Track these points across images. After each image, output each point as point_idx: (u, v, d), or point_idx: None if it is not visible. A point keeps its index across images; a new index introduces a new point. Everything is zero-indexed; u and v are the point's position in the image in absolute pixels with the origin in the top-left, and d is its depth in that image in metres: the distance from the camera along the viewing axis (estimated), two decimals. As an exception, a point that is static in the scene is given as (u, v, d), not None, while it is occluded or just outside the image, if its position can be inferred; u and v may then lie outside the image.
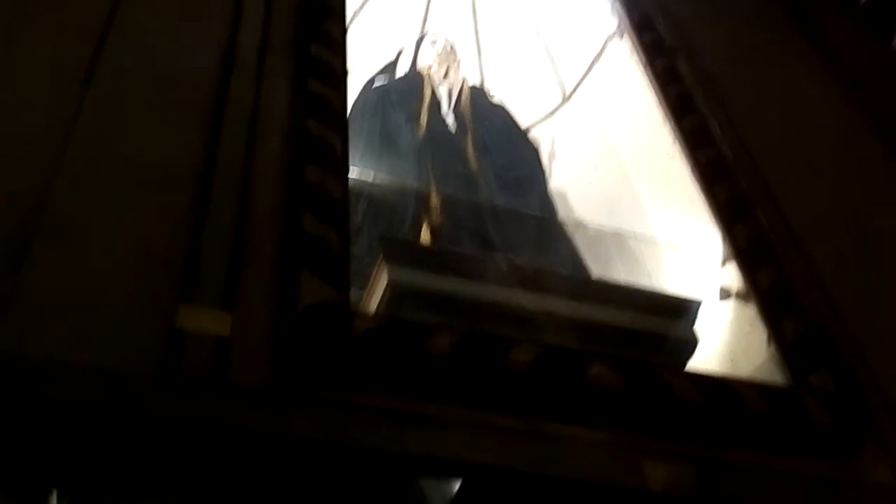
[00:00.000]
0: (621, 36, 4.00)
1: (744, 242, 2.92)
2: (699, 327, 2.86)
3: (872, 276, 2.92)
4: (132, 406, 1.88)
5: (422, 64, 4.02)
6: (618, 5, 4.02)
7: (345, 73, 2.94)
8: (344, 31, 3.08)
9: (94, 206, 2.21)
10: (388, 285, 2.62)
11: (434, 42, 4.14)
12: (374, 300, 2.66)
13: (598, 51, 4.16)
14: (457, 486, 2.12)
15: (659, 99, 3.55)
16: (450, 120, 3.73)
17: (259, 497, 2.09)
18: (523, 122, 4.03)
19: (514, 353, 2.26)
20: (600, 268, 3.40)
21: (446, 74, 3.89)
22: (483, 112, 3.85)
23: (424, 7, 4.51)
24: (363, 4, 4.35)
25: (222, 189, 2.35)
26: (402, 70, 4.08)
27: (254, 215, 2.33)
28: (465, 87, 3.93)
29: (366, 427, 2.06)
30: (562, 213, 3.63)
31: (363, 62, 3.93)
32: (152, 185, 2.30)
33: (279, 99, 2.69)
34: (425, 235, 3.12)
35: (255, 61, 2.76)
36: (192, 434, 1.91)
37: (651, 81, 3.63)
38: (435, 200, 3.24)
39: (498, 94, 4.16)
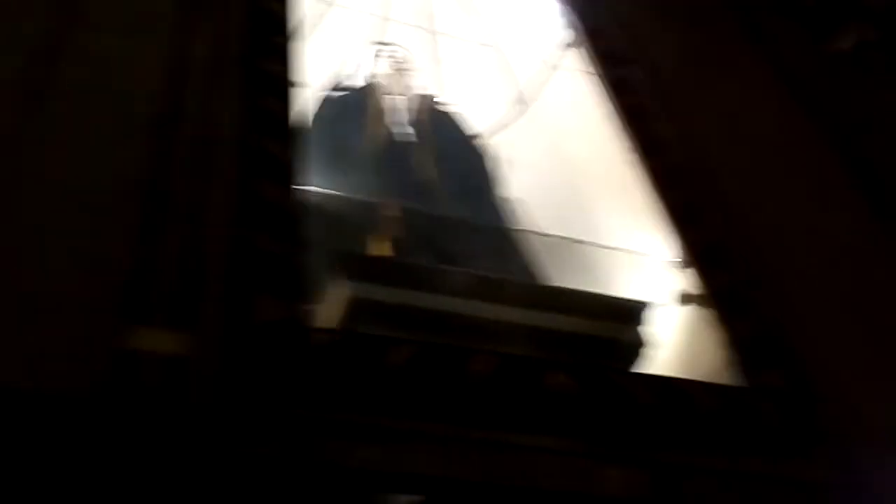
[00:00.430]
0: (576, 46, 4.04)
1: (697, 247, 2.97)
2: (650, 330, 2.90)
3: (822, 278, 2.97)
4: (79, 430, 1.85)
5: (378, 75, 4.02)
6: (572, 16, 4.06)
7: (296, 86, 2.93)
8: (295, 45, 3.07)
9: (43, 224, 2.18)
10: (344, 299, 2.62)
11: (391, 54, 4.14)
12: (330, 314, 2.66)
13: (553, 61, 4.19)
14: (418, 501, 2.12)
15: (613, 108, 3.59)
16: (405, 131, 3.74)
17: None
18: (479, 132, 4.05)
19: (471, 363, 2.28)
20: (555, 276, 3.42)
21: (402, 85, 3.90)
22: (439, 122, 3.86)
23: (383, 19, 4.52)
24: (321, 18, 4.35)
25: (174, 206, 2.33)
26: (358, 81, 4.08)
27: (206, 232, 2.31)
28: (419, 97, 3.93)
29: (326, 442, 2.06)
30: (517, 222, 3.64)
31: (320, 76, 3.92)
32: (102, 203, 2.27)
33: (231, 114, 2.68)
34: (381, 248, 3.12)
35: (205, 76, 2.75)
36: (149, 455, 1.89)
37: (605, 91, 3.67)
38: (390, 212, 3.24)
39: (454, 104, 4.17)
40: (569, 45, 4.11)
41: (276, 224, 2.38)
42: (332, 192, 3.22)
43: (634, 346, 2.82)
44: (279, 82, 2.85)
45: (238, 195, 2.44)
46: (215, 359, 2.08)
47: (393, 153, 3.56)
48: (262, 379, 2.08)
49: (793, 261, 2.99)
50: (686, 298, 3.02)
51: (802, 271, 2.98)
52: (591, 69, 3.85)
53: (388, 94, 3.84)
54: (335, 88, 3.98)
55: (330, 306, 2.68)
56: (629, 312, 2.87)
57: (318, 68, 3.85)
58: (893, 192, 3.41)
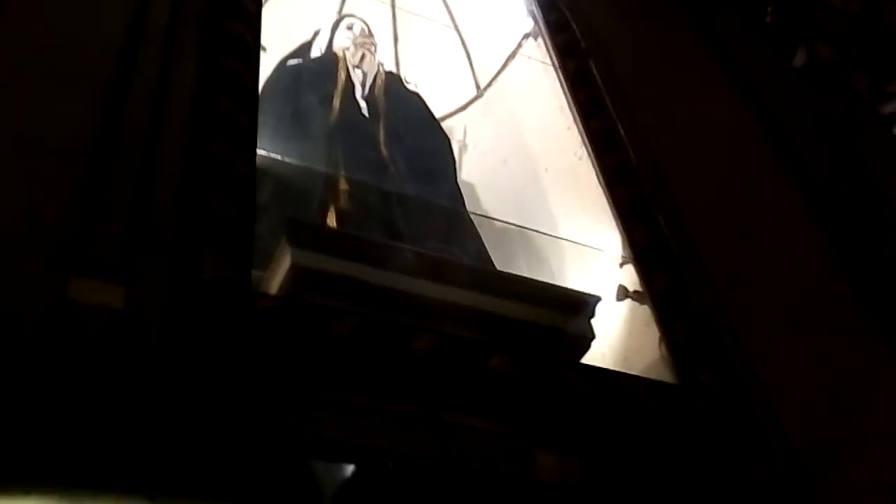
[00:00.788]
0: (536, 37, 4.05)
1: (642, 245, 3.01)
2: (596, 324, 2.93)
3: (761, 284, 3.04)
4: (17, 373, 1.81)
5: (338, 46, 3.98)
6: (533, 6, 4.07)
7: (258, 49, 2.89)
8: (259, 6, 3.03)
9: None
10: (290, 267, 2.59)
11: (351, 26, 4.10)
12: (275, 281, 2.63)
13: (513, 48, 4.20)
14: (350, 470, 2.12)
15: (569, 100, 3.61)
16: (363, 105, 3.70)
17: (143, 476, 2.04)
18: (437, 113, 4.04)
19: (416, 340, 2.28)
20: (504, 262, 3.44)
21: (362, 59, 3.86)
22: (397, 99, 3.83)
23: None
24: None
25: (124, 160, 2.28)
26: (317, 51, 4.03)
27: (156, 189, 2.27)
28: (380, 72, 3.90)
29: (262, 407, 2.04)
30: (469, 206, 3.65)
31: (278, 40, 3.86)
32: (49, 155, 2.21)
33: (188, 72, 2.63)
34: (331, 219, 3.10)
35: (164, 31, 2.68)
36: (82, 406, 1.85)
37: (562, 82, 3.69)
38: (343, 185, 3.21)
39: (413, 83, 4.15)
40: (528, 35, 4.12)
41: (228, 186, 2.35)
42: (285, 159, 3.18)
43: (580, 338, 2.84)
44: (239, 43, 2.80)
45: (191, 154, 2.40)
46: (157, 315, 2.04)
47: (349, 126, 3.52)
48: (203, 338, 2.06)
49: (734, 265, 3.06)
50: (626, 294, 3.07)
51: (742, 274, 3.05)
52: (549, 60, 3.88)
53: (348, 66, 3.80)
54: (295, 55, 3.92)
55: (274, 273, 2.66)
56: (576, 304, 2.89)
57: (279, 34, 3.80)
58: (829, 198, 3.50)
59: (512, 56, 4.22)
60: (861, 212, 3.48)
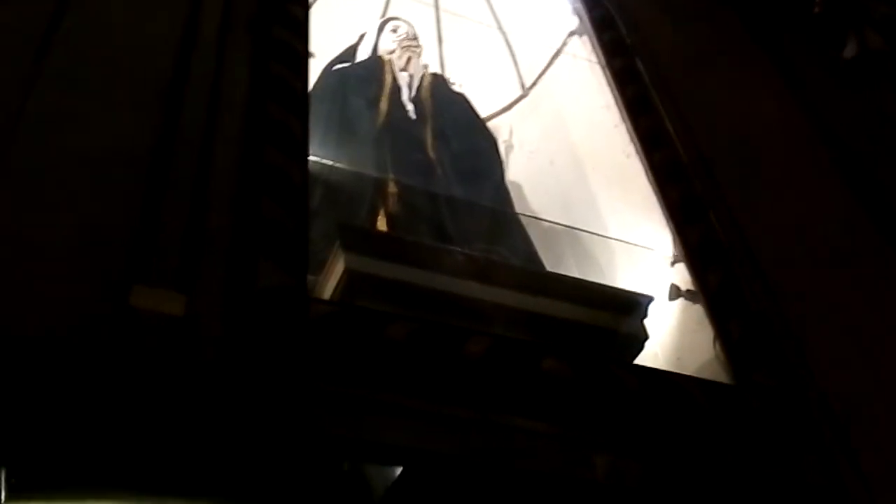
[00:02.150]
0: (581, 34, 4.03)
1: (694, 243, 2.98)
2: (648, 324, 2.91)
3: (815, 281, 3.00)
4: (81, 380, 1.86)
5: (383, 49, 3.99)
6: (578, 3, 4.05)
7: (307, 56, 2.92)
8: (307, 13, 3.06)
9: (47, 180, 2.17)
10: (344, 272, 2.61)
11: (396, 29, 4.11)
12: (329, 286, 2.66)
13: (558, 46, 4.19)
14: (400, 472, 2.14)
15: (616, 98, 3.59)
16: (409, 107, 3.72)
17: (206, 481, 2.08)
18: (482, 113, 4.04)
19: (469, 343, 2.29)
20: (553, 262, 3.43)
21: (408, 62, 3.87)
22: (443, 101, 3.83)
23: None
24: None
25: (180, 169, 2.32)
26: (362, 55, 4.05)
27: (211, 197, 2.31)
28: (426, 74, 3.91)
29: (318, 412, 2.07)
30: (517, 206, 3.64)
31: (324, 45, 3.89)
32: (107, 162, 2.27)
33: (239, 80, 2.67)
34: (381, 223, 3.12)
35: (215, 41, 2.73)
36: (143, 413, 1.89)
37: (609, 80, 3.67)
38: (392, 188, 3.23)
39: (458, 84, 4.15)
40: (573, 33, 4.11)
41: (282, 193, 2.38)
42: (334, 163, 3.20)
43: (632, 339, 2.83)
44: (288, 50, 2.84)
45: (244, 161, 2.44)
46: (215, 322, 2.08)
47: (397, 129, 3.54)
48: (259, 345, 2.09)
49: (788, 262, 3.02)
50: (678, 293, 3.04)
51: (795, 271, 3.01)
52: (595, 58, 3.86)
53: (394, 69, 3.81)
54: (340, 59, 3.95)
55: (328, 277, 2.68)
56: (628, 304, 2.87)
57: (324, 38, 3.83)
58: (889, 196, 3.44)
59: (557, 54, 4.21)
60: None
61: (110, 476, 1.91)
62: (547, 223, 3.57)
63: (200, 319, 2.06)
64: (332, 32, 4.09)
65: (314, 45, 3.11)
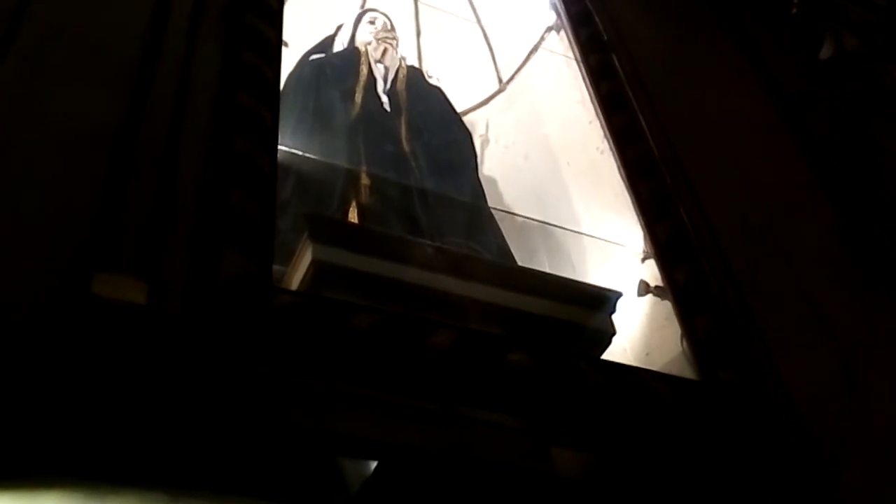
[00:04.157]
0: (558, 30, 4.03)
1: (664, 239, 2.99)
2: (617, 319, 2.92)
3: (783, 279, 3.02)
4: (41, 369, 1.83)
5: (360, 41, 3.97)
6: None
7: (280, 45, 2.89)
8: (281, 2, 3.03)
9: (9, 162, 2.14)
10: (311, 262, 2.60)
11: (373, 20, 4.09)
12: (297, 277, 2.64)
13: (535, 41, 4.19)
14: (373, 466, 2.13)
15: (592, 94, 3.59)
16: (385, 99, 3.70)
17: (167, 471, 2.06)
18: (458, 107, 4.03)
19: (434, 335, 2.28)
20: (526, 257, 3.43)
21: (384, 53, 3.85)
22: (419, 93, 3.82)
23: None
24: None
25: (146, 154, 2.29)
26: (339, 46, 4.03)
27: (177, 184, 2.29)
28: (402, 66, 3.90)
29: (283, 403, 2.05)
30: (491, 200, 3.64)
31: (300, 35, 3.87)
32: (71, 145, 2.24)
33: (211, 66, 2.64)
34: (353, 215, 3.10)
35: (187, 25, 2.70)
36: (104, 402, 1.87)
37: (585, 76, 3.67)
38: (364, 180, 3.22)
39: (435, 77, 4.14)
40: (551, 28, 4.11)
41: (249, 181, 2.36)
42: (305, 153, 3.18)
43: (601, 334, 2.83)
44: (261, 38, 2.81)
45: (212, 149, 2.42)
46: (177, 311, 2.06)
47: (371, 121, 3.52)
48: (222, 334, 2.07)
49: (756, 260, 3.03)
50: (647, 289, 3.05)
51: (764, 269, 3.03)
52: (572, 54, 3.86)
53: (370, 61, 3.79)
54: (317, 50, 3.92)
55: (296, 268, 2.67)
56: (597, 300, 2.88)
57: (301, 28, 3.81)
58: (862, 196, 3.47)
59: (534, 50, 4.20)
60: (887, 208, 3.43)
61: (69, 465, 1.89)
62: (520, 218, 3.57)
63: (163, 308, 2.04)
64: (310, 23, 4.07)
65: (292, 34, 3.10)
